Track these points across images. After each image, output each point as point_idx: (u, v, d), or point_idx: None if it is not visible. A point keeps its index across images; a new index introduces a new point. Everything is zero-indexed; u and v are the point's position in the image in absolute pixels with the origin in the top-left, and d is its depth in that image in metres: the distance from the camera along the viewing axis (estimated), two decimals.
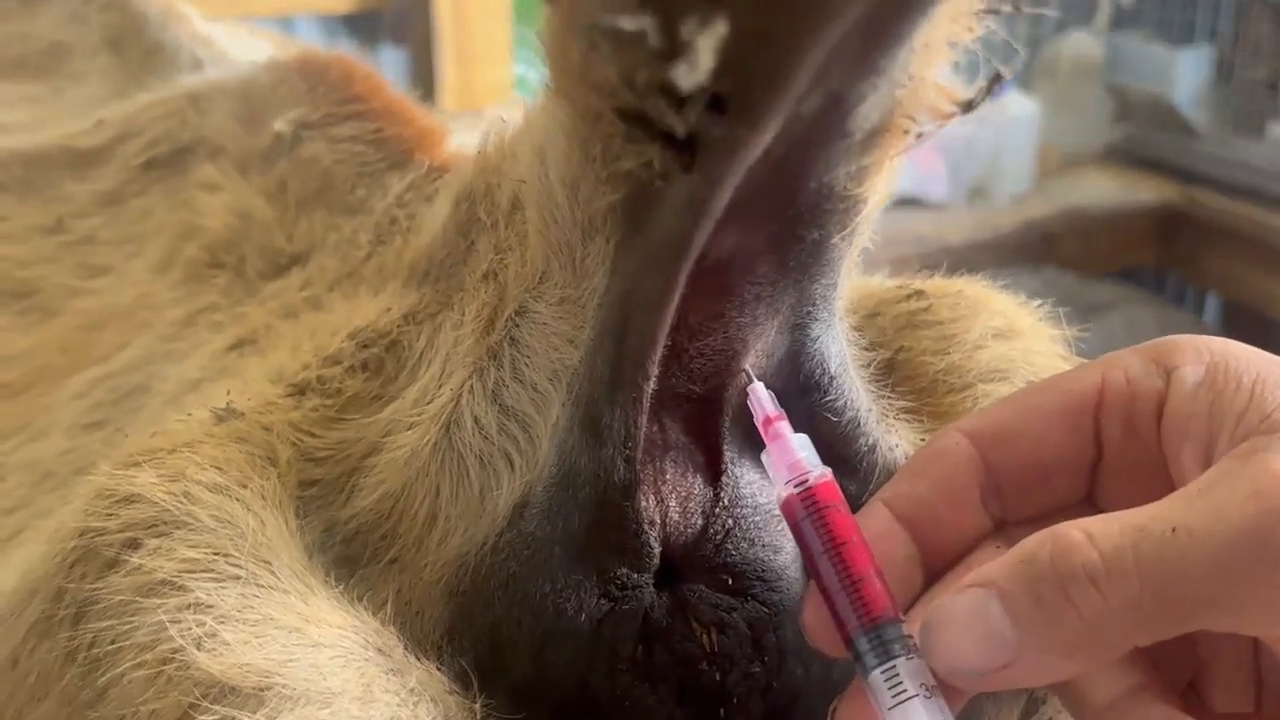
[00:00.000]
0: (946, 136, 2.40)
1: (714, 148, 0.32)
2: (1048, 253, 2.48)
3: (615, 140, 0.34)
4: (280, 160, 0.66)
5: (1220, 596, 0.34)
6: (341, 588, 0.41)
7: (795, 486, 0.40)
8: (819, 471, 0.40)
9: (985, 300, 0.52)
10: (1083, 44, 2.73)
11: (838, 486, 0.40)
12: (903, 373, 0.50)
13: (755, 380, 0.42)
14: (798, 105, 0.31)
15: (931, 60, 0.34)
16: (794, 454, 0.40)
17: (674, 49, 0.29)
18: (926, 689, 0.37)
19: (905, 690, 0.37)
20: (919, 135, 0.36)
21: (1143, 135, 2.72)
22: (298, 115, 0.68)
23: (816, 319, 0.42)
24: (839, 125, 0.34)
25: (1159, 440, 0.39)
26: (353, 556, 0.43)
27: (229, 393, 0.45)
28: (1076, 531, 0.35)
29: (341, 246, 0.59)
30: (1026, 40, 2.78)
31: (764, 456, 0.42)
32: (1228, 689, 0.40)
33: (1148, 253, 2.58)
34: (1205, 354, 0.39)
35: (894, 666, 0.37)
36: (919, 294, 0.52)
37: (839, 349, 0.44)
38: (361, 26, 2.61)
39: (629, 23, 0.29)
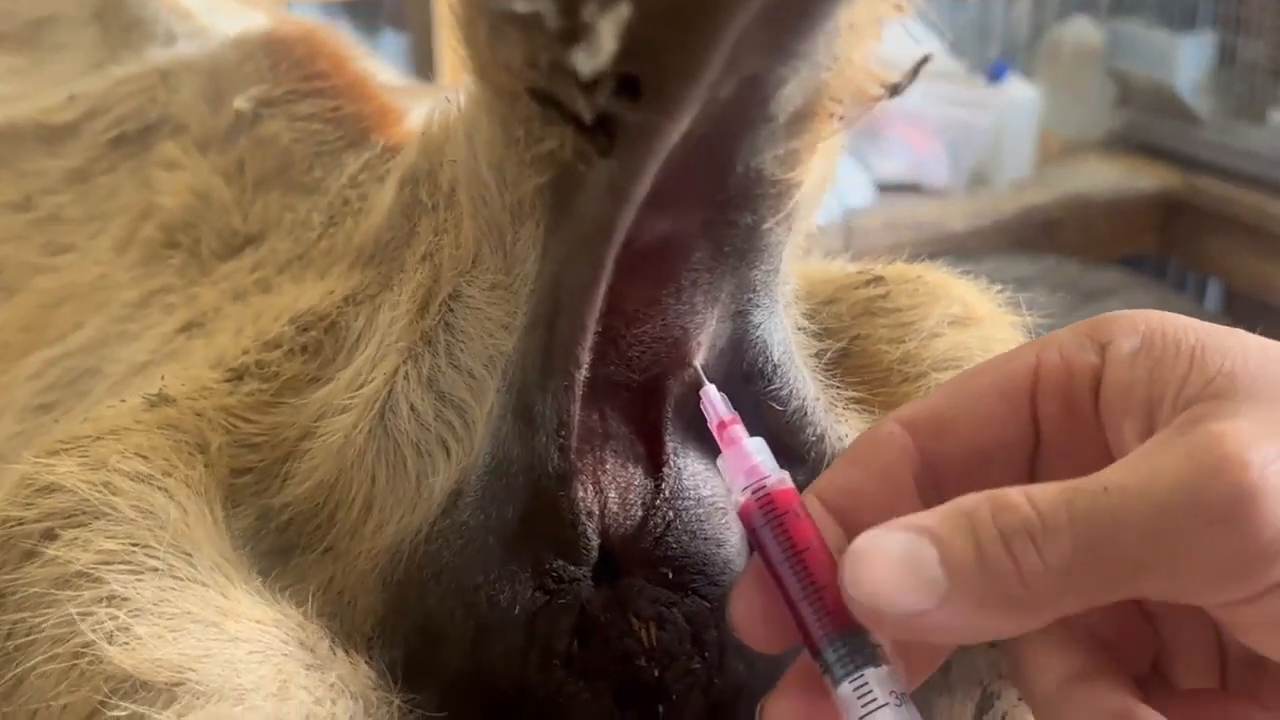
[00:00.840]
0: (947, 122, 2.38)
1: (630, 132, 0.31)
2: (1048, 239, 2.46)
3: (534, 122, 0.33)
4: (240, 139, 0.65)
5: (1153, 558, 0.32)
6: (274, 574, 0.41)
7: (753, 493, 0.38)
8: (776, 477, 0.39)
9: (944, 287, 0.51)
10: (1084, 30, 2.71)
11: (797, 491, 0.39)
12: (858, 361, 0.49)
13: (707, 383, 0.41)
14: (713, 90, 0.30)
15: (857, 42, 0.33)
16: (750, 459, 0.39)
17: (574, 32, 0.28)
18: (897, 696, 0.36)
19: (875, 699, 0.35)
20: (844, 119, 0.35)
21: (1144, 121, 2.70)
22: (259, 92, 0.67)
23: (758, 305, 0.41)
24: (760, 109, 0.33)
25: (1098, 417, 0.38)
26: (286, 545, 0.42)
27: (163, 378, 0.44)
28: (1015, 492, 0.34)
29: (295, 228, 0.58)
30: (1028, 26, 2.76)
31: (719, 462, 0.40)
32: (1191, 666, 0.39)
33: (1149, 239, 2.57)
34: (1140, 325, 0.37)
35: (862, 676, 0.36)
36: (878, 280, 0.51)
37: (783, 337, 0.43)
38: (361, 11, 2.59)
39: (526, 4, 0.28)
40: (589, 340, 0.37)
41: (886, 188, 2.45)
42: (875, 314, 0.50)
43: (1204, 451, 0.32)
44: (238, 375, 0.45)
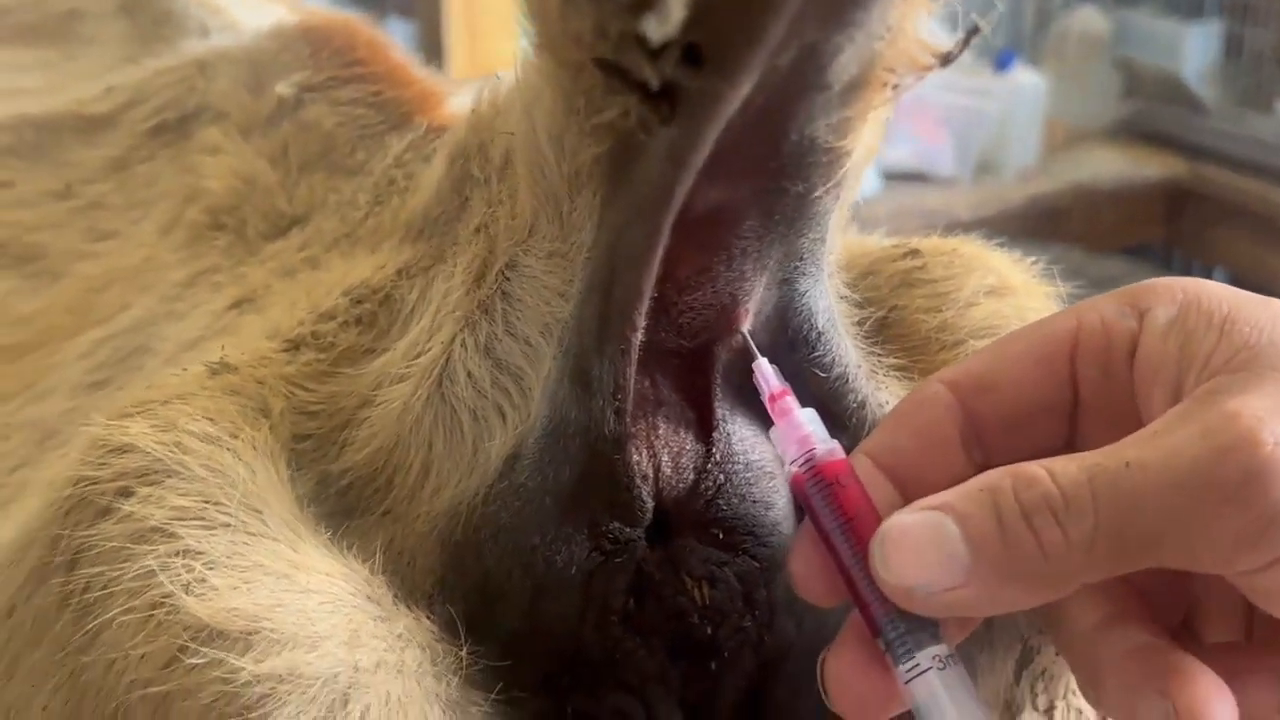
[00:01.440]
0: (953, 110, 2.39)
1: (691, 100, 0.32)
2: (1054, 228, 2.47)
3: (597, 92, 0.34)
4: (283, 123, 0.66)
5: (1170, 533, 0.34)
6: (336, 536, 0.42)
7: (804, 463, 0.40)
8: (826, 447, 0.40)
9: (979, 258, 0.52)
10: (1091, 18, 2.72)
11: (847, 461, 0.40)
12: (896, 330, 0.50)
13: (760, 357, 0.42)
14: (773, 58, 0.32)
15: (910, 12, 0.34)
16: (802, 429, 0.41)
17: (646, 1, 0.29)
18: (940, 660, 0.37)
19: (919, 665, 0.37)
20: (897, 88, 0.36)
21: (1151, 110, 2.71)
22: (301, 79, 0.68)
23: (804, 274, 0.42)
24: (817, 77, 0.34)
25: (1132, 382, 0.39)
26: (346, 509, 0.44)
27: (223, 347, 0.45)
28: (1037, 467, 0.35)
29: (341, 208, 0.59)
30: (1034, 14, 2.77)
31: (771, 433, 0.42)
32: (1220, 622, 0.40)
33: (1155, 228, 2.58)
34: (1179, 294, 0.39)
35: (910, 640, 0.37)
36: (914, 253, 0.52)
37: (827, 304, 0.44)
38: (369, 0, 2.61)
39: None
40: (645, 305, 0.39)
41: (892, 176, 2.46)
42: (913, 285, 0.51)
43: (1219, 429, 0.34)
44: (294, 346, 0.46)
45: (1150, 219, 2.57)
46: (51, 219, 0.79)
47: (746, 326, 0.42)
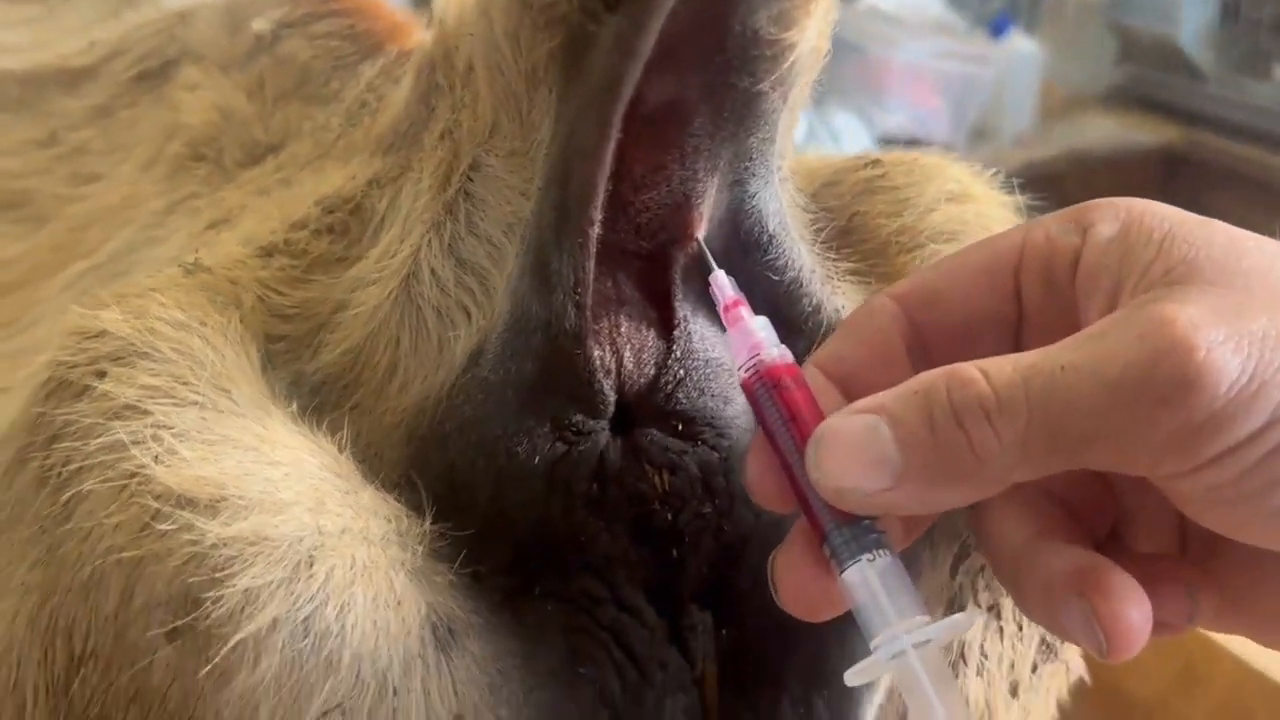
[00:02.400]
0: (948, 77, 2.39)
1: None
2: (1050, 194, 2.47)
3: None
4: (260, 58, 0.68)
5: (1103, 433, 0.35)
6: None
7: (752, 369, 0.41)
8: (777, 351, 0.41)
9: (940, 167, 0.53)
10: None
11: (796, 365, 0.41)
12: (857, 235, 0.51)
13: (716, 268, 0.43)
14: None
15: None
16: (753, 336, 0.42)
17: None
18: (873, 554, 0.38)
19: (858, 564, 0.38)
20: None
21: (1147, 76, 2.71)
22: (278, 15, 0.69)
23: (754, 175, 0.43)
24: None
25: (1074, 296, 0.40)
26: (318, 405, 0.45)
27: (197, 250, 0.46)
28: (972, 368, 0.36)
29: (315, 133, 0.61)
30: None
31: (725, 340, 0.43)
32: (1151, 532, 0.42)
33: (1150, 194, 2.55)
34: (1122, 211, 0.40)
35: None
36: (876, 163, 0.53)
37: (777, 207, 0.45)
38: None
39: None
40: (600, 199, 0.40)
41: (887, 142, 2.46)
42: (874, 192, 0.52)
43: (1155, 334, 0.34)
44: (267, 252, 0.48)
45: (1146, 185, 2.57)
46: (36, 166, 0.81)
47: (701, 231, 0.44)
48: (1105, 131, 2.59)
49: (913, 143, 2.46)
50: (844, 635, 0.44)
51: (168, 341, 0.39)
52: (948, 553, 0.45)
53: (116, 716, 0.38)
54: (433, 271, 0.44)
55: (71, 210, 0.76)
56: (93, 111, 0.83)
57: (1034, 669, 0.52)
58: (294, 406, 0.44)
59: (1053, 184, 2.51)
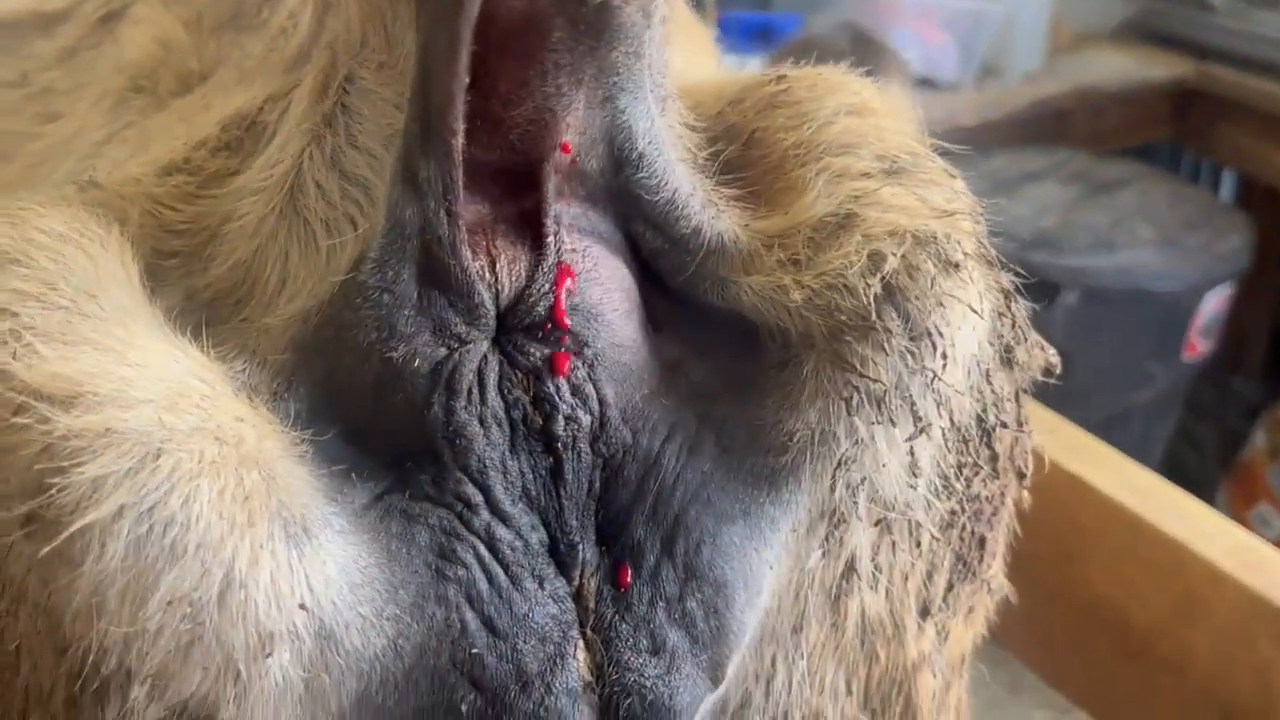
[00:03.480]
0: (956, 14, 2.36)
1: None
2: (1060, 131, 2.45)
3: None
4: None
5: None
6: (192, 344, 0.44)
7: None
8: None
9: (843, 82, 0.53)
10: None
11: None
12: (757, 152, 0.51)
13: None
14: None
15: None
16: None
17: None
18: None
19: None
20: None
21: (1157, 9, 2.67)
22: None
23: (623, 90, 0.44)
24: None
25: None
26: (209, 319, 0.46)
27: (94, 168, 0.47)
28: None
29: (240, 60, 0.61)
30: None
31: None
32: None
33: (1162, 129, 2.55)
34: None
35: None
36: (780, 78, 0.53)
37: (649, 126, 0.45)
38: None
39: None
40: (459, 108, 0.40)
41: None
42: (776, 107, 0.52)
43: None
44: (167, 171, 0.48)
45: (1157, 119, 2.54)
46: (6, 106, 0.82)
47: (572, 144, 0.44)
48: (1115, 66, 2.56)
49: (922, 81, 2.44)
50: (719, 536, 0.44)
51: (41, 250, 0.40)
52: (828, 466, 0.45)
53: None
54: (317, 185, 0.45)
55: (32, 148, 0.77)
56: (61, 53, 0.85)
57: (949, 588, 0.53)
58: (188, 322, 0.45)
59: (1063, 120, 2.48)
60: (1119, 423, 2.23)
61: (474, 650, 0.41)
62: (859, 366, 0.43)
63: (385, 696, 0.41)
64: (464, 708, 0.41)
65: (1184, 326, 2.22)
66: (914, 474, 0.45)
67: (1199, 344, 2.23)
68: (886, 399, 0.43)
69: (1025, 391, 0.51)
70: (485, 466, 0.43)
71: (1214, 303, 2.18)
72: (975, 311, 0.43)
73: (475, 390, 0.43)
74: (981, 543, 0.51)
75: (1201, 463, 2.51)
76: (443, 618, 0.41)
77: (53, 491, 0.36)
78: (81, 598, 0.37)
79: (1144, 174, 2.43)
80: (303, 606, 0.38)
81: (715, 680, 0.45)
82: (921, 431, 0.44)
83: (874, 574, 0.48)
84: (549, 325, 0.44)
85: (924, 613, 0.50)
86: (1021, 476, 0.52)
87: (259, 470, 0.38)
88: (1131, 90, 2.50)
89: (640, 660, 0.44)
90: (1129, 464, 0.93)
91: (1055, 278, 2.11)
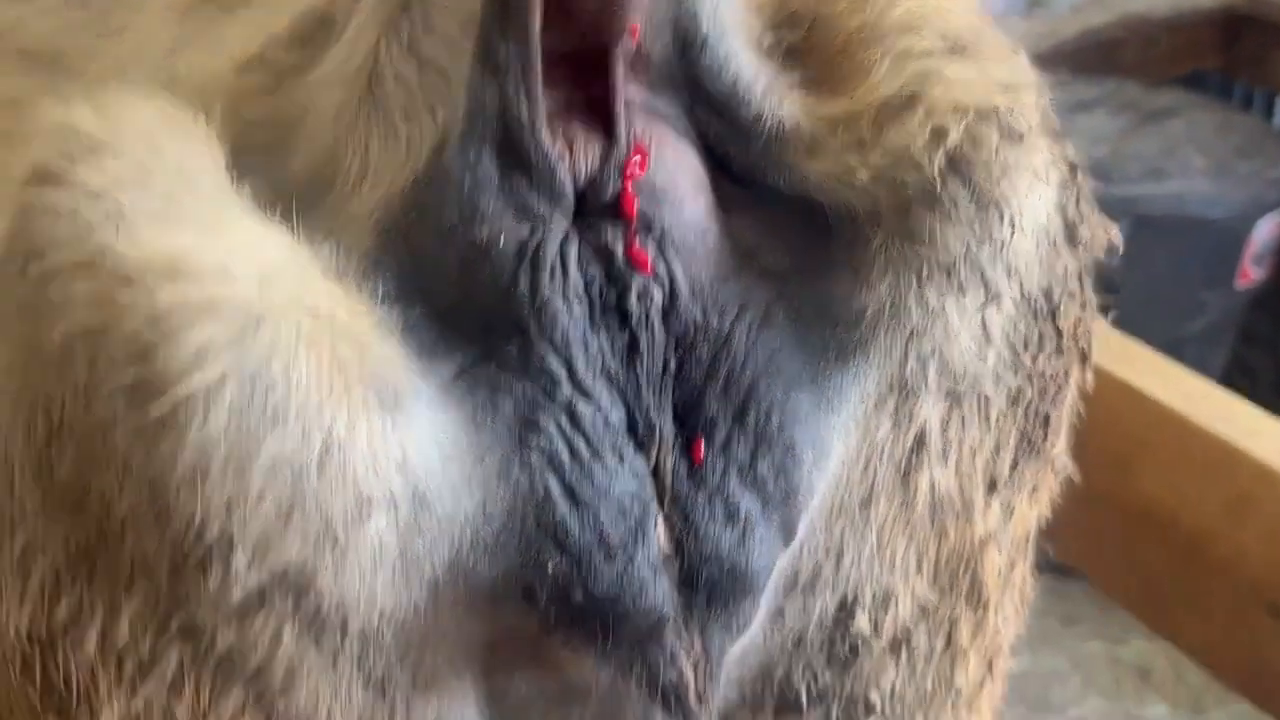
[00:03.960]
0: None
1: None
2: (1109, 61, 2.43)
3: None
4: None
5: None
6: None
7: None
8: None
9: None
10: None
11: None
12: (820, 36, 0.52)
13: None
14: None
15: None
16: None
17: None
18: None
19: None
20: None
21: None
22: None
23: None
24: None
25: None
26: (293, 210, 0.47)
27: (176, 65, 0.48)
28: None
29: None
30: None
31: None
32: None
33: (1212, 57, 2.52)
34: None
35: None
36: None
37: (712, 10, 0.46)
38: None
39: None
40: None
41: None
42: None
43: None
44: (243, 68, 0.50)
45: (1207, 47, 2.51)
46: (69, 25, 0.84)
47: (640, 28, 0.45)
48: None
49: None
50: (788, 404, 0.46)
51: (134, 138, 0.42)
52: (898, 339, 0.46)
53: (93, 483, 0.40)
54: (395, 72, 0.46)
55: (99, 64, 0.79)
56: None
57: (1014, 466, 0.54)
58: (270, 214, 0.46)
59: (1112, 50, 2.45)
60: (1172, 352, 2.22)
61: (557, 516, 0.43)
62: (927, 238, 0.44)
63: (475, 560, 0.42)
64: (550, 568, 0.43)
65: (1237, 254, 2.20)
66: (984, 345, 0.46)
67: (1252, 272, 2.22)
68: (956, 269, 0.44)
69: (1088, 272, 0.51)
70: (568, 341, 0.44)
71: (1267, 230, 2.16)
72: (1041, 180, 0.44)
73: (558, 267, 0.44)
74: (1046, 421, 0.52)
75: (1256, 390, 2.50)
76: (527, 483, 0.43)
77: (157, 360, 0.37)
78: (185, 464, 0.38)
79: (1194, 102, 2.40)
80: (398, 471, 0.40)
81: (787, 539, 0.46)
82: (992, 300, 0.45)
83: (943, 448, 0.49)
84: (621, 205, 0.45)
85: (991, 488, 0.51)
86: (1085, 358, 0.53)
87: (351, 343, 0.40)
88: (1181, 18, 2.47)
89: (717, 529, 0.45)
90: (1177, 369, 0.94)
91: (1106, 208, 2.10)
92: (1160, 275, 2.17)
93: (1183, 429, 0.88)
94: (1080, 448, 0.59)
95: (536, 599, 0.43)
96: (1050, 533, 0.61)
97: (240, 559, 0.40)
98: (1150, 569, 0.94)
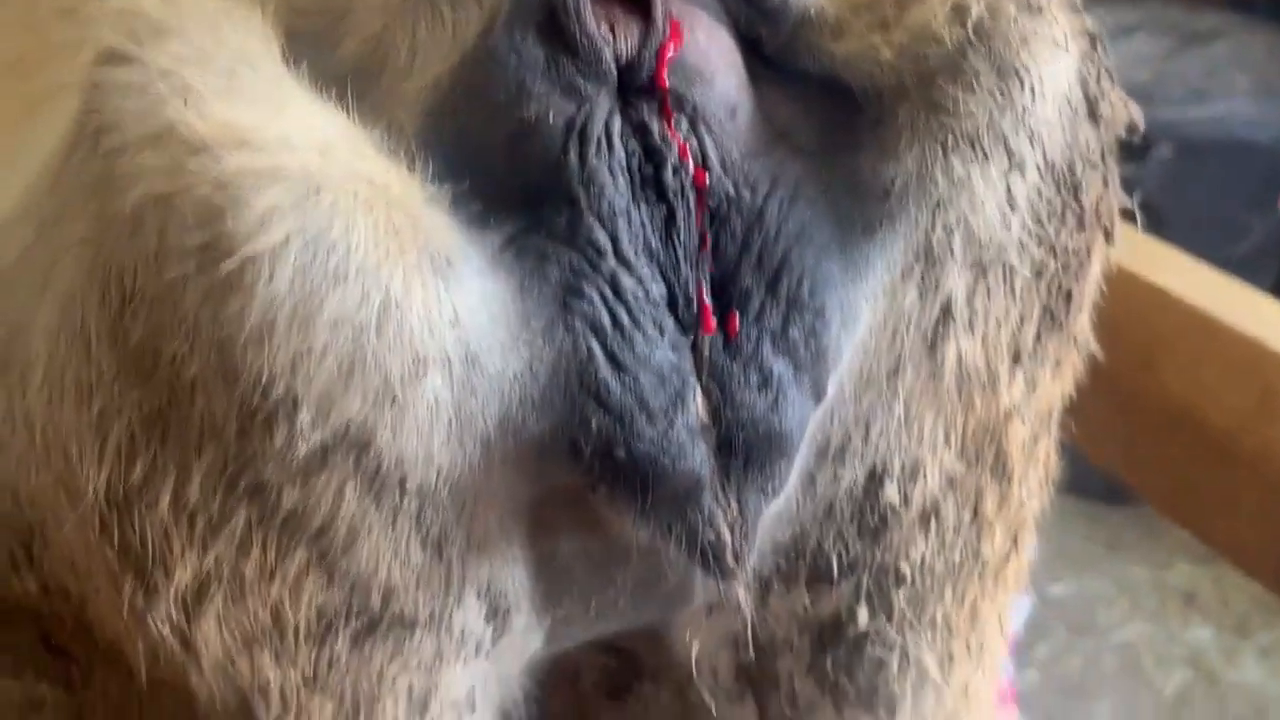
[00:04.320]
0: None
1: None
2: None
3: None
4: None
5: None
6: None
7: None
8: None
9: None
10: None
11: None
12: None
13: None
14: None
15: None
16: None
17: None
18: None
19: None
20: None
21: None
22: None
23: None
24: None
25: None
26: (344, 94, 0.49)
27: None
28: None
29: None
30: None
31: None
32: None
33: None
34: None
35: None
36: None
37: None
38: None
39: None
40: None
41: None
42: None
43: None
44: None
45: None
46: None
47: None
48: None
49: None
50: (818, 271, 0.48)
51: (195, 22, 0.44)
52: (925, 209, 0.48)
53: (164, 347, 0.43)
54: None
55: None
56: None
57: (1038, 339, 0.56)
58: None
59: None
60: None
61: (600, 377, 0.45)
62: (951, 109, 0.46)
63: (524, 416, 0.45)
64: (594, 424, 0.45)
65: None
66: (1009, 214, 0.48)
67: None
68: (980, 137, 0.46)
69: (1111, 150, 0.53)
70: (614, 213, 0.47)
71: None
72: (1061, 49, 0.46)
73: (604, 141, 0.47)
74: (1069, 296, 0.54)
75: None
76: (571, 345, 0.45)
77: (225, 223, 0.40)
78: (252, 323, 0.41)
79: (1239, 24, 2.38)
80: (451, 332, 0.42)
81: (817, 399, 0.49)
82: (1015, 167, 0.47)
83: (969, 319, 0.51)
84: (658, 83, 0.47)
85: (1015, 360, 0.53)
86: (1108, 235, 0.54)
87: (404, 211, 0.42)
88: None
89: (752, 396, 0.48)
90: (1202, 267, 0.95)
91: (1149, 131, 2.09)
92: (1204, 199, 2.16)
93: (1209, 327, 0.89)
94: (1108, 351, 0.61)
95: (581, 454, 0.46)
96: (1082, 435, 0.63)
97: (304, 416, 0.43)
98: (1181, 470, 0.96)
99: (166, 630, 0.49)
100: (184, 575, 0.48)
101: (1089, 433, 0.62)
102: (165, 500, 0.47)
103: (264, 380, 0.42)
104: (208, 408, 0.45)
